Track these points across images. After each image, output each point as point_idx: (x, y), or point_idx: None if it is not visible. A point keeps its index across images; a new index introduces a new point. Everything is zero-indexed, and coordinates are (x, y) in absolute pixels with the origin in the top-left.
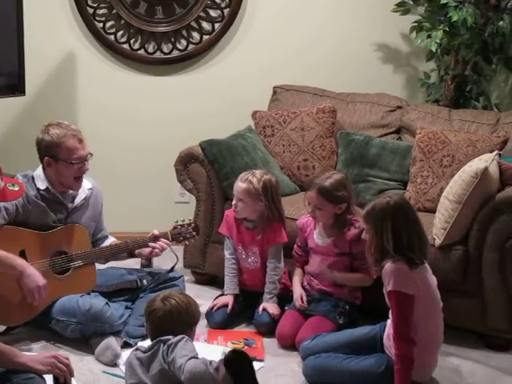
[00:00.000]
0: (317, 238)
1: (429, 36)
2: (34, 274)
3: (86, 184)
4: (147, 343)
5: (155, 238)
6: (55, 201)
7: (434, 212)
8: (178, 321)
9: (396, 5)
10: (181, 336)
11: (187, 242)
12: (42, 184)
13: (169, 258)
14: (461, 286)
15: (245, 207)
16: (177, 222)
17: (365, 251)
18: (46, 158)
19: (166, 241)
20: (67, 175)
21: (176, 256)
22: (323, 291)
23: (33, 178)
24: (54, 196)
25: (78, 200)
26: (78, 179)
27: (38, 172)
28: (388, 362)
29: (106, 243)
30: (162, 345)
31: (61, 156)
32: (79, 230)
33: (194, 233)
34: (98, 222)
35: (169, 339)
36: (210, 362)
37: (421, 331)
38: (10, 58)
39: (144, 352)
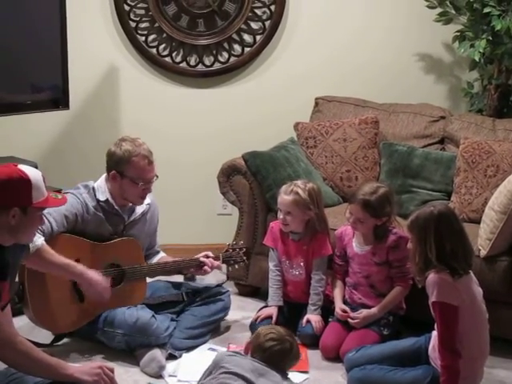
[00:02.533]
0: (355, 246)
1: (472, 45)
2: (96, 278)
3: (146, 199)
4: (193, 356)
5: (207, 257)
6: (114, 213)
7: (479, 223)
8: (292, 359)
9: (438, 14)
10: None
11: (236, 266)
12: (102, 196)
13: (212, 272)
14: (507, 297)
15: (293, 219)
16: (229, 244)
17: (401, 259)
18: (112, 171)
19: (216, 262)
20: (131, 193)
21: (227, 276)
22: (365, 305)
23: (93, 188)
24: (113, 208)
25: (136, 214)
26: (143, 198)
27: (100, 183)
28: (434, 373)
29: (157, 257)
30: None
31: (128, 174)
32: (134, 244)
33: (245, 257)
34: (152, 237)
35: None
36: None
37: (466, 342)
38: (54, 73)
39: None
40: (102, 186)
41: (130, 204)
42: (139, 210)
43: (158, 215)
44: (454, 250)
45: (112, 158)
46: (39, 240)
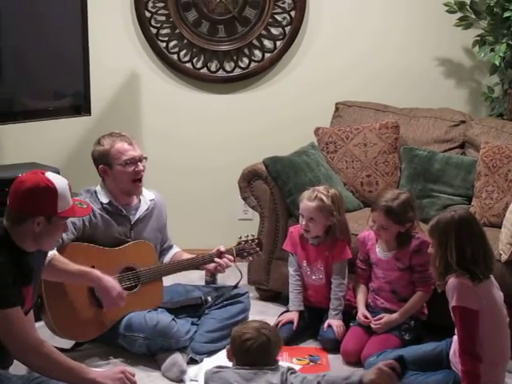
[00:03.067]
0: (379, 252)
1: (492, 50)
2: (110, 284)
3: (149, 195)
4: (214, 360)
5: (220, 254)
6: (118, 214)
7: (500, 227)
8: (273, 351)
9: (458, 19)
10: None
11: (251, 258)
12: (104, 198)
13: (233, 274)
14: None
15: (316, 226)
16: (240, 237)
17: (424, 264)
18: (100, 166)
19: (230, 257)
20: (123, 179)
21: (240, 272)
22: (388, 309)
23: (95, 192)
24: (117, 209)
25: (141, 212)
26: (136, 182)
27: (100, 187)
28: (455, 378)
29: (171, 253)
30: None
31: (113, 161)
32: (147, 246)
33: (258, 248)
34: (162, 233)
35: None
36: None
37: (487, 347)
38: (76, 79)
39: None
40: (102, 190)
41: (134, 202)
42: (143, 207)
43: (165, 211)
44: (475, 255)
45: (95, 155)
46: (51, 251)
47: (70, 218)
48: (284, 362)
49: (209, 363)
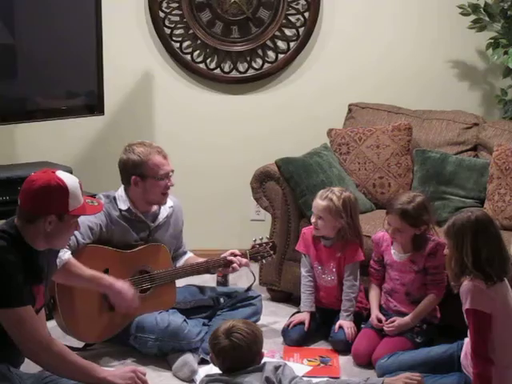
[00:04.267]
0: (394, 254)
1: (505, 52)
2: (123, 289)
3: (168, 202)
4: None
5: (234, 256)
6: (137, 220)
7: None
8: (248, 353)
9: (472, 21)
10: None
11: (264, 261)
12: (123, 205)
13: (245, 276)
14: None
15: (325, 225)
16: (255, 240)
17: (438, 266)
18: (133, 177)
19: (246, 260)
20: (155, 192)
21: (253, 275)
22: (401, 312)
23: (114, 198)
24: (136, 216)
25: (160, 218)
26: (165, 195)
27: (120, 193)
28: (466, 381)
29: (185, 258)
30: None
31: (148, 173)
32: (161, 249)
33: (272, 252)
34: (178, 239)
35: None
36: None
37: (499, 350)
38: (90, 79)
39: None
40: (122, 196)
41: (154, 209)
42: (163, 213)
43: (182, 217)
44: (490, 257)
45: (127, 164)
46: (66, 254)
47: (81, 216)
48: (295, 362)
49: None
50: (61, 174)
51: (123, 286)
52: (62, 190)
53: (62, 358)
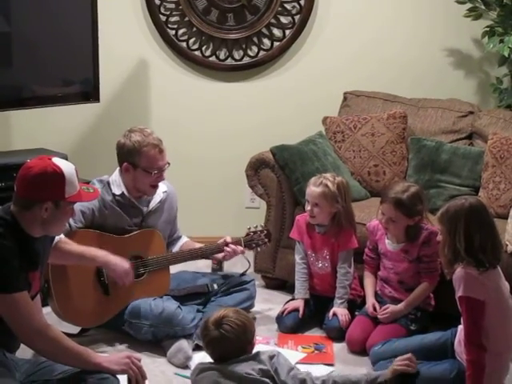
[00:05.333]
0: (388, 243)
1: (501, 41)
2: (117, 261)
3: (161, 187)
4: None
5: (228, 244)
6: (130, 206)
7: (507, 218)
8: (237, 344)
9: (468, 10)
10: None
11: (259, 249)
12: (117, 189)
13: (239, 263)
14: None
15: (320, 211)
16: (249, 228)
17: (431, 255)
18: (125, 163)
19: (240, 248)
20: (144, 183)
21: (248, 261)
22: (396, 299)
23: (108, 183)
24: (129, 201)
25: (153, 204)
26: (155, 187)
27: (114, 177)
28: (459, 367)
29: (180, 243)
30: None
31: (140, 164)
32: (155, 234)
33: (266, 239)
34: (172, 224)
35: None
36: None
37: (492, 337)
38: (85, 66)
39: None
40: (116, 180)
41: (145, 196)
42: (156, 199)
43: (176, 202)
44: (483, 244)
45: (122, 149)
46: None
47: (77, 202)
48: (289, 349)
49: None
50: (57, 160)
51: (117, 258)
52: (58, 176)
53: (57, 344)
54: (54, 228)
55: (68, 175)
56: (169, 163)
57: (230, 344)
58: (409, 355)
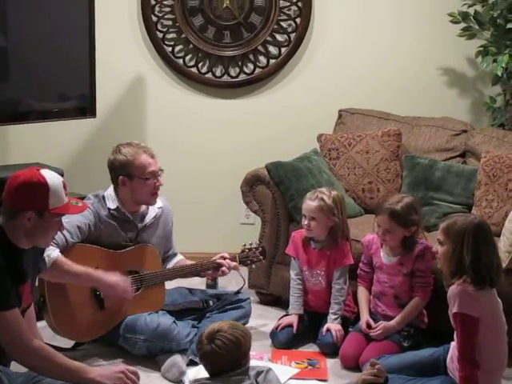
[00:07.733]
0: (383, 256)
1: (494, 60)
2: (115, 281)
3: (157, 203)
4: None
5: (223, 260)
6: (125, 220)
7: (499, 236)
8: (229, 359)
9: (462, 29)
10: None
11: (254, 266)
12: (112, 204)
13: (234, 279)
14: None
15: (317, 225)
16: (245, 245)
17: (425, 270)
18: (120, 177)
19: (235, 264)
20: (143, 191)
21: (243, 278)
22: (388, 316)
23: (103, 197)
24: (124, 215)
25: (148, 219)
26: (154, 195)
27: (109, 192)
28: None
29: (174, 260)
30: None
31: (135, 173)
32: (150, 250)
33: (261, 257)
34: (168, 240)
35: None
36: None
37: (485, 354)
38: (82, 81)
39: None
40: (111, 195)
41: (142, 209)
42: (151, 214)
43: (171, 219)
44: (489, 261)
45: (114, 164)
46: (54, 253)
47: (64, 215)
48: (283, 364)
49: None
50: (45, 172)
51: (114, 277)
52: (41, 186)
53: (49, 361)
54: (39, 239)
55: (53, 186)
56: (162, 169)
57: (221, 359)
58: (378, 365)
